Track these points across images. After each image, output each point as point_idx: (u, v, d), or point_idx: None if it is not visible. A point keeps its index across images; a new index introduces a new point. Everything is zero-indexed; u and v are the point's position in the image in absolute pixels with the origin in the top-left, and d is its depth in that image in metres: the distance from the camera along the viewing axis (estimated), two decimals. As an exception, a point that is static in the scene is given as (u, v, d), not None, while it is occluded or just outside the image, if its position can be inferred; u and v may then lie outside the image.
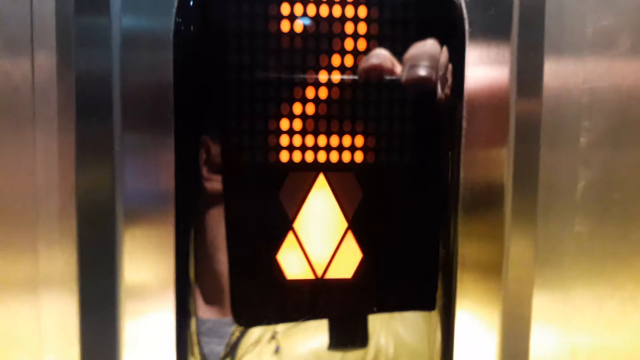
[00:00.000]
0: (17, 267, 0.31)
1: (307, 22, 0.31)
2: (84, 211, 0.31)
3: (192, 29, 0.31)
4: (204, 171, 0.31)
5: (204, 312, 0.32)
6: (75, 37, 0.30)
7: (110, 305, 0.31)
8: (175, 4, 0.30)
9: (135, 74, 0.30)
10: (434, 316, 0.33)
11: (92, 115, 0.30)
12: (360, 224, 0.32)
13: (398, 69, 0.31)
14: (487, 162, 0.33)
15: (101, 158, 0.31)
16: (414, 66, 0.31)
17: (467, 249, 0.33)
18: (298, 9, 0.31)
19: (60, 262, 0.31)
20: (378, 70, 0.31)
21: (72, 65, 0.30)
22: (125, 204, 0.31)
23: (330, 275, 0.33)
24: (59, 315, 0.31)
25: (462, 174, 0.33)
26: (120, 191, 0.31)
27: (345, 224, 0.32)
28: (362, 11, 0.31)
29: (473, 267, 0.33)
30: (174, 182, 0.31)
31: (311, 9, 0.31)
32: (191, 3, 0.31)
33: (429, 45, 0.31)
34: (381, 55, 0.31)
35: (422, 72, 0.31)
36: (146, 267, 0.31)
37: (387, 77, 0.31)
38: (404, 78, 0.31)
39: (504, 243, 0.33)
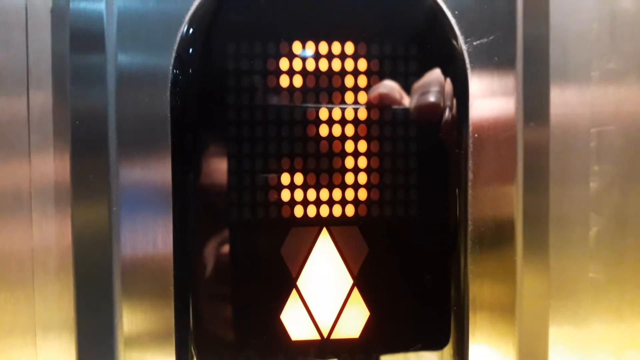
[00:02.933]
0: (15, 312, 0.30)
1: (306, 75, 0.30)
2: (81, 257, 0.30)
3: (189, 77, 0.30)
4: (202, 226, 0.30)
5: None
6: (70, 75, 0.30)
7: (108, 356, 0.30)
8: (175, 47, 0.30)
9: (132, 112, 0.30)
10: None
11: (88, 154, 0.30)
12: (366, 279, 0.31)
13: (405, 100, 0.31)
14: (496, 199, 0.32)
15: (98, 200, 0.30)
16: (425, 92, 0.30)
17: (479, 291, 0.32)
18: (297, 63, 0.30)
19: (58, 308, 0.30)
20: (386, 99, 0.30)
21: (68, 103, 0.30)
22: (123, 252, 0.30)
23: (336, 335, 0.31)
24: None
25: (470, 213, 0.32)
26: (116, 238, 0.30)
27: (350, 281, 0.31)
28: (362, 64, 0.30)
29: (486, 309, 0.32)
30: (172, 236, 0.30)
31: (310, 63, 0.30)
32: (190, 50, 0.30)
33: (436, 77, 0.31)
34: (388, 85, 0.30)
35: (433, 97, 0.31)
36: (145, 324, 0.31)
37: (392, 115, 0.30)
38: (413, 105, 0.30)
39: (516, 282, 0.32)
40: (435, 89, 0.31)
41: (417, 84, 0.31)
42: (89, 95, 0.30)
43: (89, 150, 0.30)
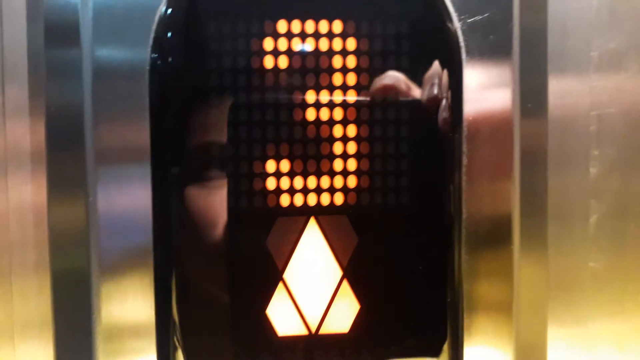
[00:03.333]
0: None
1: (292, 56, 0.29)
2: (57, 254, 0.29)
3: (169, 61, 0.29)
4: (184, 215, 0.29)
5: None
6: (45, 69, 0.29)
7: (87, 354, 0.30)
8: (152, 35, 0.29)
9: (109, 105, 0.29)
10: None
11: (64, 148, 0.29)
12: (356, 271, 0.30)
13: (414, 91, 0.29)
14: (492, 193, 0.31)
15: (75, 196, 0.29)
16: (433, 85, 0.29)
17: (474, 289, 0.31)
18: (282, 43, 0.29)
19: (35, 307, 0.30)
20: (393, 90, 0.29)
21: (43, 97, 0.29)
22: (101, 246, 0.29)
23: (325, 330, 0.30)
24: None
25: (464, 209, 0.31)
26: (94, 232, 0.29)
27: (340, 272, 0.30)
28: (351, 43, 0.29)
29: (482, 308, 0.31)
30: (151, 224, 0.29)
31: (296, 43, 0.29)
32: (169, 35, 0.29)
33: (435, 66, 0.29)
34: (394, 76, 0.29)
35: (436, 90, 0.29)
36: (125, 316, 0.30)
37: (395, 101, 0.29)
38: (425, 97, 0.29)
39: (514, 281, 0.31)
40: (428, 71, 0.29)
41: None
42: (65, 89, 0.29)
43: (66, 145, 0.29)
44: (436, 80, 0.30)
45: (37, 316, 0.30)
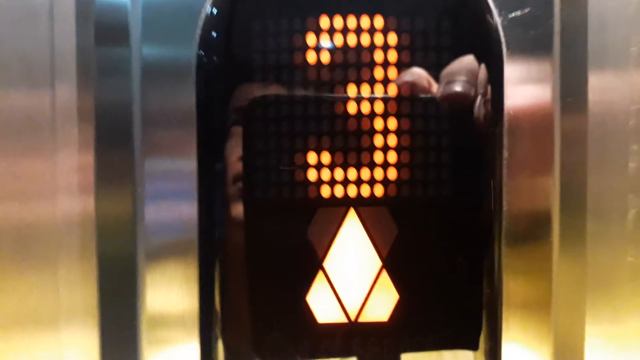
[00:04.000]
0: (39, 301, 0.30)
1: (334, 51, 0.29)
2: (104, 244, 0.30)
3: (215, 59, 0.30)
4: (228, 207, 0.30)
5: (230, 355, 0.30)
6: (95, 68, 0.30)
7: (132, 341, 0.30)
8: (198, 34, 0.30)
9: (157, 104, 0.30)
10: (479, 358, 0.31)
11: (112, 145, 0.30)
12: (395, 262, 0.30)
13: (434, 88, 0.29)
14: (532, 189, 0.31)
15: (122, 189, 0.30)
16: (450, 82, 0.29)
17: (513, 285, 0.31)
18: (324, 38, 0.29)
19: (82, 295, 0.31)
20: (414, 87, 0.29)
21: (92, 96, 0.30)
22: (147, 238, 0.30)
23: (364, 318, 0.30)
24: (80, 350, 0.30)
25: (505, 204, 0.31)
26: (140, 225, 0.30)
27: (379, 263, 0.30)
28: (392, 38, 0.29)
29: (520, 304, 0.31)
30: (197, 217, 0.30)
31: (338, 39, 0.29)
32: (214, 34, 0.30)
33: (467, 62, 0.30)
34: (416, 73, 0.29)
35: (459, 87, 0.29)
36: (169, 303, 0.30)
37: (423, 97, 0.29)
38: (439, 94, 0.29)
39: (552, 278, 0.31)
40: (468, 68, 0.29)
41: (450, 68, 0.30)
42: (114, 87, 0.30)
43: (114, 143, 0.30)
44: (477, 75, 0.30)
45: (82, 303, 0.30)
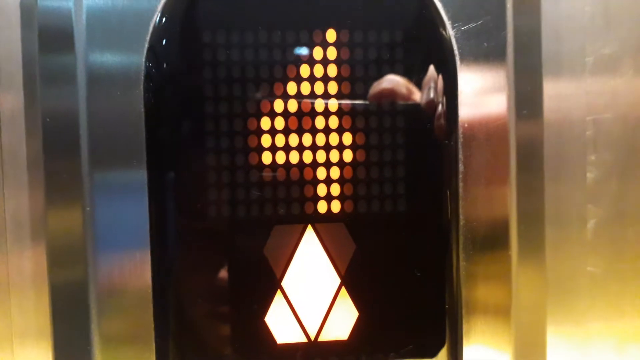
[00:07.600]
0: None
1: (285, 64, 0.29)
2: (54, 257, 0.29)
3: (164, 68, 0.29)
4: (181, 225, 0.29)
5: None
6: (39, 75, 0.29)
7: None
8: (147, 41, 0.29)
9: (104, 111, 0.29)
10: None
11: (60, 154, 0.29)
12: (354, 278, 0.30)
13: (414, 94, 0.29)
14: (489, 198, 0.31)
15: (71, 199, 0.29)
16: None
17: (473, 294, 0.31)
18: (276, 51, 0.29)
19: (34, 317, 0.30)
20: (392, 94, 0.29)
21: (38, 104, 0.29)
22: (98, 255, 0.29)
23: (324, 337, 0.30)
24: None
25: (462, 214, 0.31)
26: (90, 241, 0.29)
27: (338, 280, 0.30)
28: (345, 52, 0.29)
29: (481, 312, 0.31)
30: (148, 234, 0.29)
31: (289, 52, 0.29)
32: (164, 42, 0.29)
33: (430, 75, 0.30)
34: (393, 80, 0.29)
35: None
36: (124, 324, 0.30)
37: (376, 109, 0.29)
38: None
39: (512, 284, 0.31)
40: (422, 79, 0.29)
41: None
42: (60, 95, 0.29)
43: (61, 151, 0.29)
44: (431, 88, 0.30)
45: (35, 326, 0.30)
